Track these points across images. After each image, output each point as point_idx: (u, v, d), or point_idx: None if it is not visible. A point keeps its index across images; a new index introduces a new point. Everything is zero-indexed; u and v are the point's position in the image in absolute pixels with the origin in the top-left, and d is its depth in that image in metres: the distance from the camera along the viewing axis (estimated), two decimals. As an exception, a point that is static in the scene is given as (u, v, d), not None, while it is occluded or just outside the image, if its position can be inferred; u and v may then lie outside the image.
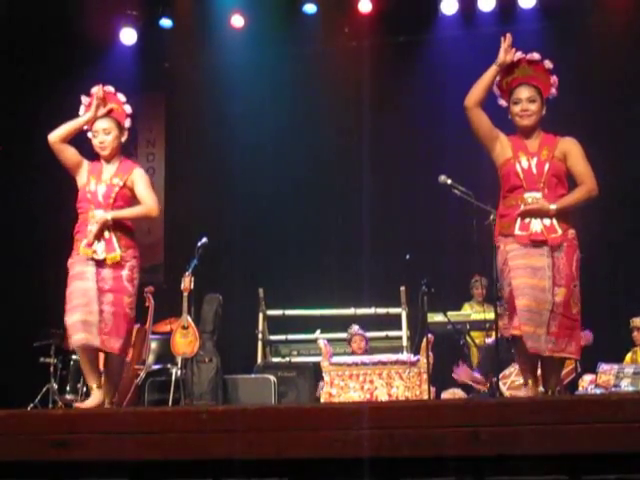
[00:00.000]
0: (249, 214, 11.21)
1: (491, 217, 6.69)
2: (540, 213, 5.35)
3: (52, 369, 9.06)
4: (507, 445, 3.17)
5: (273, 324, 10.13)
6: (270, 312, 10.08)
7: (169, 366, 9.04)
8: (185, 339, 8.79)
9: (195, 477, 3.40)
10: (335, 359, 8.45)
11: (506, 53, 5.52)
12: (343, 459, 3.26)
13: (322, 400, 8.20)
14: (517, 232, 5.37)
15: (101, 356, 6.02)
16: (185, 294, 8.85)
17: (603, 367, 7.53)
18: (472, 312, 9.58)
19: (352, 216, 10.82)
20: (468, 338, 9.22)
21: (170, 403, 8.65)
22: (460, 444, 3.19)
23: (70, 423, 3.51)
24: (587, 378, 7.66)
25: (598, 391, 7.34)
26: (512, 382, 7.30)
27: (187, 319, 8.82)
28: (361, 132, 10.88)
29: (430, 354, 7.97)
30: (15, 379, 9.38)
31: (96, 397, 5.80)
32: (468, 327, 9.18)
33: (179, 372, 8.83)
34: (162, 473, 3.42)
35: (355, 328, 9.13)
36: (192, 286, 8.83)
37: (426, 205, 10.53)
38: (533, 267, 5.28)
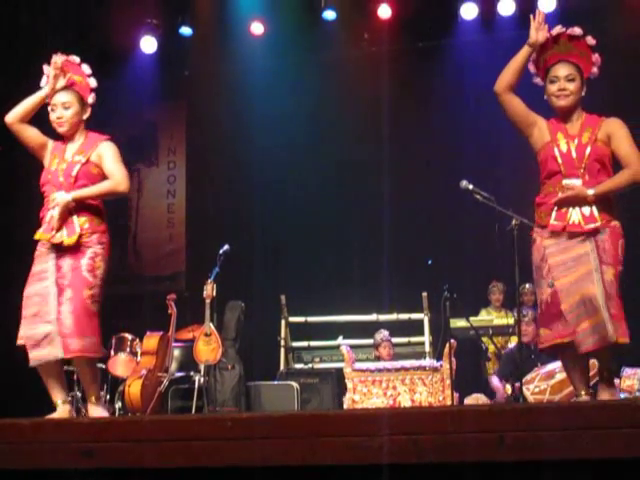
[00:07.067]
0: (270, 221, 11.22)
1: (513, 222, 6.68)
2: (578, 200, 4.92)
3: (76, 377, 9.06)
4: (532, 450, 3.15)
5: (295, 331, 10.14)
6: (292, 319, 10.09)
7: (192, 373, 9.05)
8: (208, 346, 8.80)
9: (220, 484, 3.41)
10: (358, 365, 8.44)
11: (537, 31, 5.12)
12: (367, 465, 3.26)
13: (345, 406, 8.20)
14: (552, 222, 4.96)
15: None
16: (207, 301, 8.86)
17: (627, 371, 7.47)
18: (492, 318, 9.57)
19: (373, 221, 10.81)
20: (490, 344, 9.19)
21: (193, 410, 8.67)
22: (485, 449, 3.18)
23: (96, 432, 3.52)
24: (611, 383, 7.60)
25: (622, 395, 7.29)
26: (535, 387, 7.27)
27: (209, 326, 8.83)
28: (381, 138, 10.86)
29: (453, 359, 7.97)
30: (39, 387, 9.39)
31: (61, 412, 5.27)
32: (491, 332, 9.16)
33: (202, 379, 8.85)
34: (187, 480, 3.43)
35: (385, 334, 9.10)
36: (214, 293, 8.84)
37: (447, 210, 10.51)
38: (575, 258, 4.87)
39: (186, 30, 11.47)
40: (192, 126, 12.24)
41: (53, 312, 5.21)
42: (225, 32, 11.44)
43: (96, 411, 5.37)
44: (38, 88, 5.59)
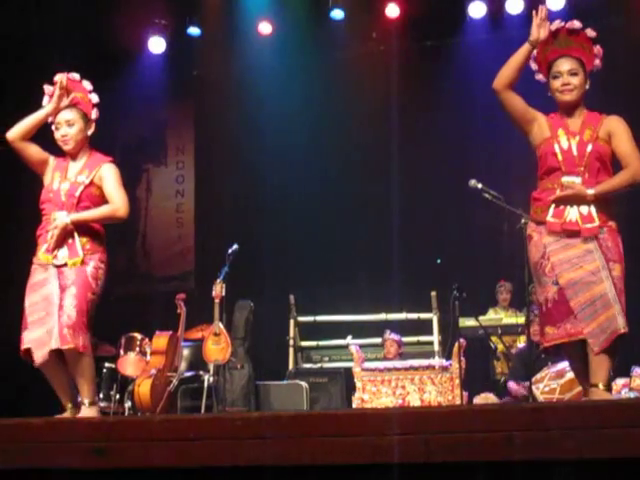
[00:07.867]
0: (280, 220, 11.21)
1: (522, 221, 6.67)
2: (577, 199, 4.83)
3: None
4: (541, 450, 3.15)
5: (304, 330, 10.15)
6: (301, 318, 10.09)
7: (201, 373, 9.04)
8: (217, 346, 8.80)
9: (230, 484, 3.41)
10: (367, 365, 8.45)
11: (539, 28, 4.97)
12: (377, 465, 3.26)
13: (354, 406, 8.20)
14: (549, 219, 4.87)
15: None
16: (216, 301, 8.85)
17: (637, 371, 7.44)
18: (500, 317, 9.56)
19: (382, 221, 10.80)
20: (500, 344, 9.18)
21: (203, 410, 8.66)
22: (494, 449, 3.18)
23: (106, 431, 3.52)
24: (620, 382, 7.59)
25: (632, 395, 7.28)
26: (545, 386, 7.26)
27: (219, 326, 8.82)
28: (390, 137, 10.85)
29: (462, 359, 7.96)
30: (48, 387, 9.40)
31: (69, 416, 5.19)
32: (500, 331, 9.16)
33: (211, 379, 8.84)
34: (197, 480, 3.43)
35: (387, 333, 9.14)
36: (223, 293, 8.83)
37: (456, 209, 10.50)
38: (579, 255, 4.79)
39: (194, 30, 11.49)
40: (200, 126, 12.25)
41: (55, 309, 5.16)
42: (233, 32, 11.46)
43: (87, 412, 5.21)
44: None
